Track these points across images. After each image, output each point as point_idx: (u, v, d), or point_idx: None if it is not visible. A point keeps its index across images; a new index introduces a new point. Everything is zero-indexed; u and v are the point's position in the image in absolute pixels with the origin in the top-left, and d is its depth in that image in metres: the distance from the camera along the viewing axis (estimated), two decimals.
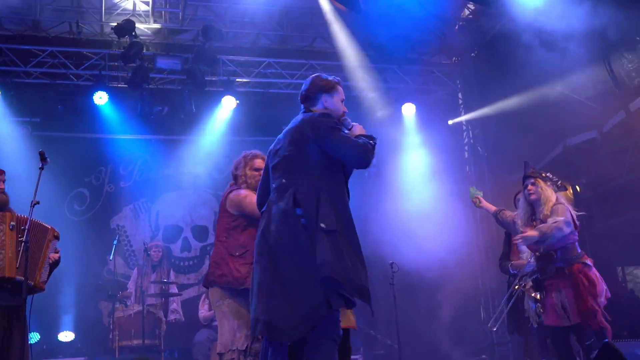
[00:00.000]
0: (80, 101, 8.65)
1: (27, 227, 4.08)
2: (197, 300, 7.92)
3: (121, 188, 9.25)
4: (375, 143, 3.38)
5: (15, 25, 8.67)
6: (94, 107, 8.63)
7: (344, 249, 3.12)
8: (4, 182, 4.47)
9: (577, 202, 7.47)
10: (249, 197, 4.17)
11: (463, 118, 10.12)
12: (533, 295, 5.37)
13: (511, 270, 5.81)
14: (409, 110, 9.58)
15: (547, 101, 8.02)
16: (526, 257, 5.68)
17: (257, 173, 4.33)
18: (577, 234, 4.91)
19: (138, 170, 9.35)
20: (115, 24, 8.17)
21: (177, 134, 9.14)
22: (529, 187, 5.06)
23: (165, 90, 9.22)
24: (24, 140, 8.46)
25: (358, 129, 3.49)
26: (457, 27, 9.71)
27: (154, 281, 7.66)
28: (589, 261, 4.86)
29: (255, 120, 9.29)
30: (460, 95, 10.33)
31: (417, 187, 9.14)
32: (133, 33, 8.19)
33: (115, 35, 8.30)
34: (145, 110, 8.62)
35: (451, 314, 8.76)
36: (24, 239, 4.00)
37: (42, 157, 4.24)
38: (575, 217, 4.88)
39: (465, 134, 10.28)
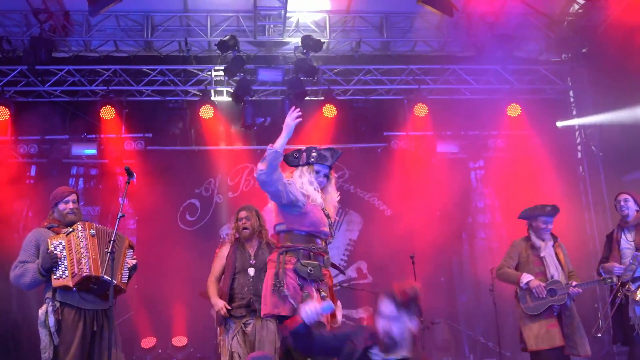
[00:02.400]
0: (188, 115, 9.02)
1: (113, 238, 4.47)
2: None
3: (229, 198, 9.52)
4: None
5: (129, 47, 9.19)
6: (202, 121, 8.96)
7: None
8: (74, 202, 4.92)
9: None
10: None
11: (576, 122, 9.66)
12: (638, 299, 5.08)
13: (602, 273, 5.68)
14: (514, 110, 9.25)
15: None
16: (629, 261, 5.39)
17: None
18: None
19: (244, 180, 9.59)
20: (220, 39, 8.46)
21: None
22: None
23: (268, 101, 9.44)
24: (138, 155, 8.94)
25: None
26: (565, 24, 9.31)
27: None
28: None
29: (356, 128, 9.32)
30: (571, 93, 9.88)
31: (524, 191, 8.82)
32: (236, 48, 8.45)
33: (220, 51, 8.59)
34: (248, 122, 8.85)
35: None
36: (109, 249, 4.39)
37: (129, 172, 4.61)
38: None
39: (577, 132, 9.83)
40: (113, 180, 9.09)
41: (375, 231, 9.44)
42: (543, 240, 5.72)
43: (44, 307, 4.59)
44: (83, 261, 4.53)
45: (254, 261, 5.27)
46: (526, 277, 5.57)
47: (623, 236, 5.65)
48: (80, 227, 4.70)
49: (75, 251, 4.56)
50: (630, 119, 8.17)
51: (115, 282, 4.55)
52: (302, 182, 3.93)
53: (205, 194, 9.53)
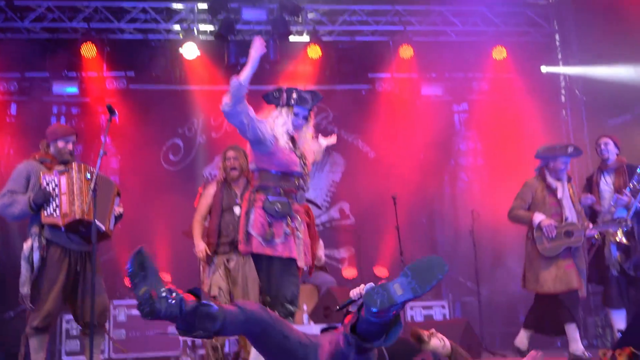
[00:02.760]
0: (171, 54, 8.89)
1: (95, 182, 4.44)
2: None
3: (213, 139, 9.49)
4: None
5: None
6: (185, 60, 8.84)
7: None
8: (73, 143, 4.91)
9: None
10: None
11: (561, 70, 9.64)
12: (619, 241, 5.21)
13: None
14: (499, 53, 9.22)
15: None
16: (607, 204, 5.50)
17: None
18: None
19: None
20: None
21: (264, 84, 9.25)
22: None
23: (252, 41, 9.28)
24: (120, 94, 8.84)
25: None
26: None
27: None
28: None
29: (341, 69, 9.26)
30: (557, 37, 9.84)
31: (507, 134, 8.90)
32: None
33: None
34: (232, 61, 8.74)
35: None
36: (92, 187, 4.41)
37: (110, 110, 4.53)
38: None
39: (562, 77, 9.84)
40: (95, 120, 9.03)
41: (358, 173, 9.51)
42: (560, 181, 5.61)
43: (29, 242, 4.60)
44: (77, 203, 4.54)
45: (240, 201, 5.31)
46: (538, 217, 5.49)
47: (602, 179, 5.76)
48: (75, 168, 4.67)
49: (68, 192, 4.55)
50: (614, 70, 8.21)
51: (104, 228, 4.60)
52: (276, 123, 3.90)
53: (188, 134, 9.51)
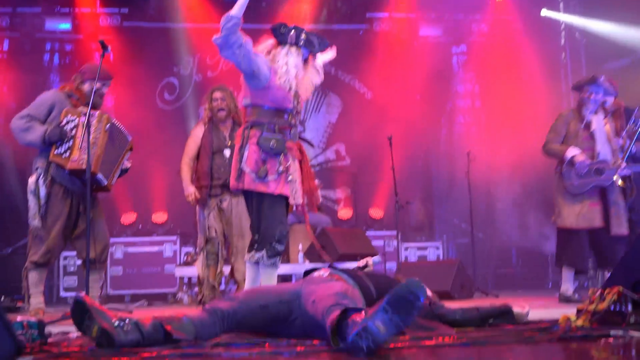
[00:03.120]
0: None
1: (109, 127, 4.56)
2: None
3: (208, 78, 9.40)
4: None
5: None
6: None
7: None
8: (106, 88, 4.87)
9: None
10: None
11: (561, 17, 9.43)
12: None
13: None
14: None
15: None
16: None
17: None
18: None
19: (224, 59, 9.43)
20: None
21: (261, 22, 9.10)
22: None
23: None
24: (114, 31, 8.70)
25: None
26: None
27: None
28: None
29: (338, 8, 9.11)
30: None
31: (505, 77, 8.83)
32: None
33: None
34: None
35: (531, 209, 8.66)
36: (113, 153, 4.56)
37: (103, 45, 4.46)
38: None
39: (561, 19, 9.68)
40: (89, 57, 8.87)
41: (354, 114, 9.48)
42: (595, 114, 5.40)
43: (34, 177, 4.61)
44: (88, 153, 4.45)
45: (230, 142, 5.30)
46: (572, 151, 5.26)
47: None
48: (97, 117, 4.61)
49: (84, 139, 4.46)
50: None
51: (106, 182, 4.61)
52: (287, 62, 3.83)
53: (183, 73, 9.40)
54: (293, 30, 3.90)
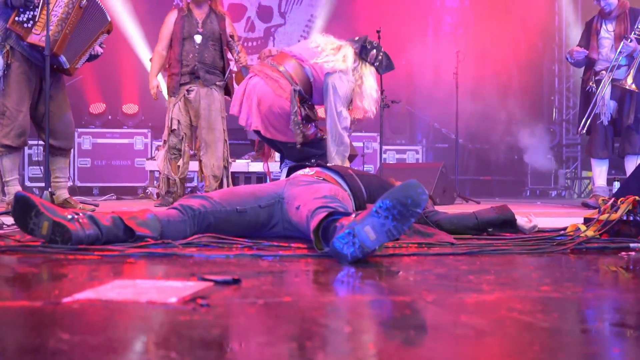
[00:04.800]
0: None
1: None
2: None
3: None
4: None
5: None
6: None
7: None
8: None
9: None
10: None
11: None
12: (629, 87, 4.98)
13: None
14: None
15: None
16: (606, 52, 5.23)
17: None
18: None
19: None
20: None
21: None
22: None
23: None
24: None
25: None
26: None
27: None
28: None
29: None
30: None
31: None
32: None
33: None
34: None
35: (521, 112, 8.49)
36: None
37: None
38: None
39: None
40: None
41: (337, 8, 9.04)
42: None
43: None
44: (53, 29, 3.95)
45: (202, 29, 4.93)
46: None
47: (603, 26, 5.42)
48: None
49: (53, 12, 3.94)
50: None
51: (68, 66, 4.11)
52: (371, 86, 3.90)
53: None
54: (374, 50, 3.95)
